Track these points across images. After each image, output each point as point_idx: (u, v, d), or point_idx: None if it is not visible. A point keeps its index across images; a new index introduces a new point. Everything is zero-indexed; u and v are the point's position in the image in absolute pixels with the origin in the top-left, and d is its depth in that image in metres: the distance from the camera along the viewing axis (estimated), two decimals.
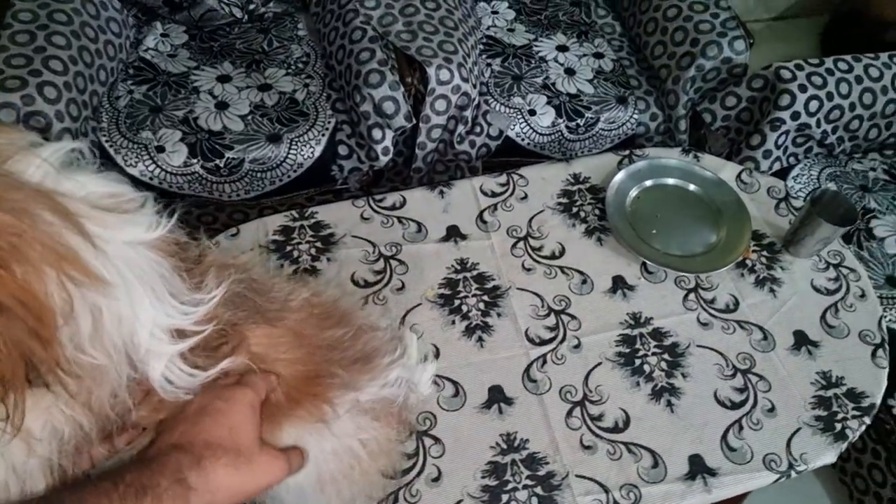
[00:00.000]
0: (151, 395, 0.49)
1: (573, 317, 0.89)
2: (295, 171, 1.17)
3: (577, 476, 0.76)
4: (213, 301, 0.49)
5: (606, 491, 0.75)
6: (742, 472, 0.76)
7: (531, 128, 1.26)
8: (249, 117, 1.19)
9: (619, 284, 0.92)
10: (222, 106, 1.20)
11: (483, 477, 0.75)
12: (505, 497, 0.74)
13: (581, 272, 0.93)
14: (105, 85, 1.19)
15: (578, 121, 1.28)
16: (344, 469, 0.65)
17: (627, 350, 0.86)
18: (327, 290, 0.67)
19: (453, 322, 0.88)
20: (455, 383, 0.82)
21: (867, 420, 0.81)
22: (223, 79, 1.26)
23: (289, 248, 0.94)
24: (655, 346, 0.86)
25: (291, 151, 1.16)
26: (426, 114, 1.13)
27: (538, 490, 0.74)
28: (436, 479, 0.75)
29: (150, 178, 1.14)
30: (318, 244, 0.95)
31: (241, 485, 0.50)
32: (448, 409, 0.80)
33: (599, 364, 0.84)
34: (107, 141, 1.15)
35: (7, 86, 1.02)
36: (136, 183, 1.11)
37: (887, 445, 1.05)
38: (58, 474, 0.46)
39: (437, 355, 0.84)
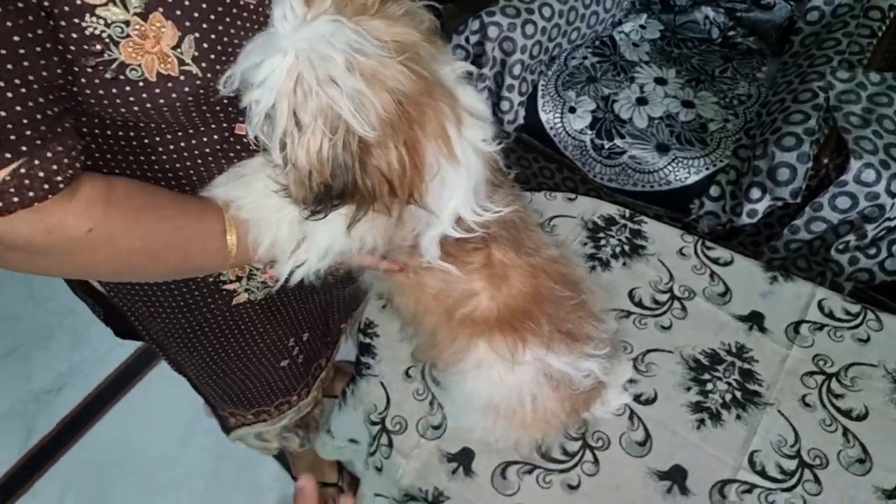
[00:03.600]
0: (413, 252, 0.62)
1: (818, 481, 0.74)
2: (660, 185, 1.19)
3: None
4: (497, 214, 0.60)
5: None
6: None
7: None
8: (657, 121, 1.24)
9: None
10: (642, 101, 1.27)
11: None
12: None
13: (866, 450, 0.76)
14: (571, 44, 1.37)
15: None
16: (509, 408, 0.71)
17: None
18: (577, 267, 0.71)
19: (688, 388, 0.82)
20: (648, 434, 0.78)
21: None
22: (660, 81, 1.32)
23: (601, 235, 0.98)
24: None
25: (670, 166, 1.17)
26: (820, 202, 1.01)
27: None
28: (572, 487, 0.75)
29: (550, 127, 1.29)
30: (626, 247, 0.97)
31: None
32: (626, 449, 0.77)
33: None
34: (542, 84, 1.33)
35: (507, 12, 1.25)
36: (537, 127, 1.28)
37: None
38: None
39: (652, 400, 0.81)
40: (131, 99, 0.49)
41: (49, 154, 0.44)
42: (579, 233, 0.98)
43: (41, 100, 0.43)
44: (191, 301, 0.72)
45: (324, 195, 0.49)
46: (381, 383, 0.85)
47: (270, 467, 1.38)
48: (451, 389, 0.75)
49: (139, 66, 0.48)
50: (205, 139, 0.57)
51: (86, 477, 1.37)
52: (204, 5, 0.49)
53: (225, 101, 0.54)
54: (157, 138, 0.55)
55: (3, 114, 0.41)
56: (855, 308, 0.89)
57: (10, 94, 0.41)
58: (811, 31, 1.24)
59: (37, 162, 0.43)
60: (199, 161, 0.58)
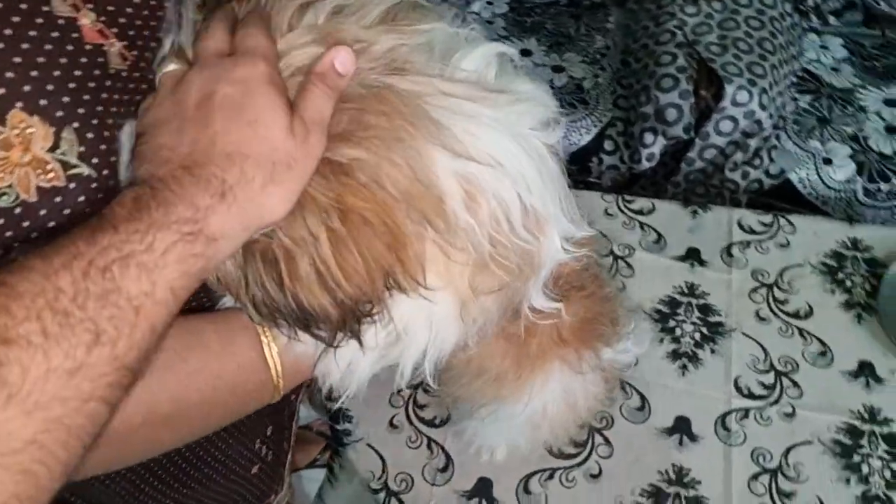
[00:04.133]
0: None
1: (796, 384, 0.81)
2: (557, 156, 1.22)
3: None
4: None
5: None
6: None
7: (820, 177, 1.14)
8: None
9: (865, 371, 0.81)
10: None
11: (641, 495, 0.74)
12: None
13: (823, 342, 0.84)
14: None
15: (881, 185, 1.12)
16: (561, 411, 0.68)
17: (849, 442, 0.76)
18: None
19: (661, 340, 0.86)
20: (644, 398, 0.81)
21: None
22: (525, 52, 1.35)
23: None
24: (885, 451, 0.75)
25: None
26: (707, 131, 1.09)
27: None
28: (595, 476, 0.76)
29: None
30: None
31: (284, 199, 0.37)
32: (628, 418, 0.80)
33: (809, 442, 0.76)
34: None
35: None
36: None
37: None
38: None
39: (635, 364, 0.83)
40: (9, 234, 0.36)
41: None
42: None
43: None
44: None
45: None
46: (370, 445, 0.79)
47: None
48: (494, 415, 0.71)
49: (9, 186, 0.36)
50: None
51: None
52: (72, 84, 0.38)
53: None
54: None
55: None
56: (767, 218, 0.97)
57: None
58: None
59: None
60: None
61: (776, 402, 0.80)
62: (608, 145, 1.22)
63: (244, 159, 0.36)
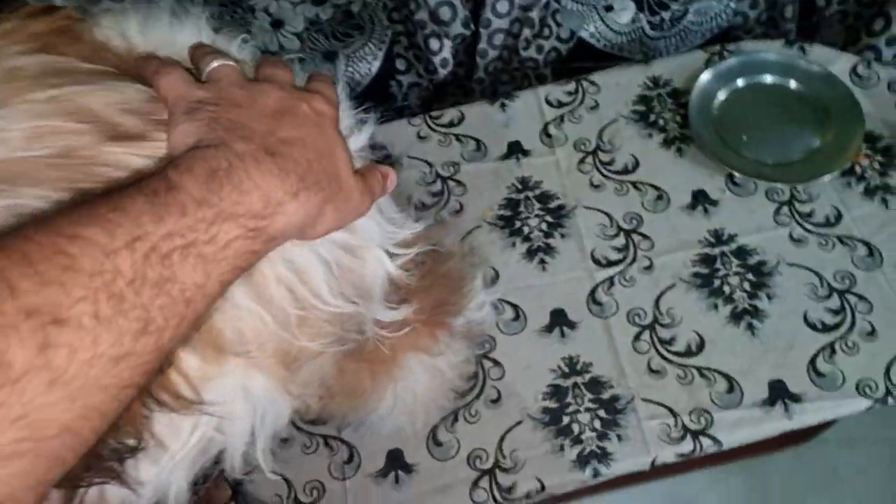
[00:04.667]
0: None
1: (645, 236, 0.82)
2: (353, 91, 1.13)
3: (643, 400, 0.72)
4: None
5: (675, 415, 0.70)
6: (830, 399, 0.69)
7: (607, 26, 1.14)
8: (305, 34, 1.15)
9: (699, 199, 0.83)
10: (277, 24, 1.17)
11: (544, 399, 0.73)
12: (566, 419, 0.71)
13: (656, 187, 0.85)
14: None
15: (663, 14, 1.14)
16: (433, 386, 0.67)
17: (706, 270, 0.78)
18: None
19: (514, 244, 0.83)
20: (515, 307, 0.79)
21: None
22: None
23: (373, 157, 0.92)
24: (738, 266, 0.78)
25: (349, 69, 1.11)
26: (486, 17, 1.04)
27: (601, 413, 0.71)
28: (495, 401, 0.74)
29: None
30: (387, 161, 0.92)
31: (333, 225, 0.38)
32: (507, 332, 0.77)
33: (673, 286, 0.78)
34: None
35: None
36: None
37: None
38: None
39: (495, 279, 0.81)
40: None
41: None
42: None
43: None
44: None
45: None
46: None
47: None
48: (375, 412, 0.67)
49: None
50: None
51: None
52: None
53: None
54: None
55: None
56: (570, 86, 0.96)
57: None
58: None
59: None
60: None
61: (633, 260, 0.80)
62: (400, 64, 1.14)
63: (319, 169, 0.36)
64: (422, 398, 0.69)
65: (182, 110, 0.35)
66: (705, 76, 0.90)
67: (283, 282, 0.37)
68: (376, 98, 1.16)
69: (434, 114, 0.95)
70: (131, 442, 0.33)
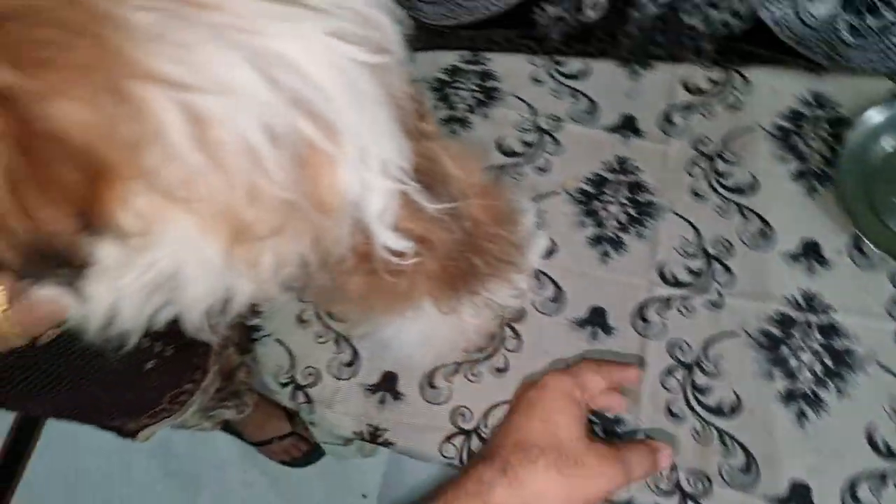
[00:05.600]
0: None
1: (728, 269, 0.72)
2: (494, 6, 1.04)
3: (647, 437, 0.66)
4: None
5: (673, 467, 0.64)
6: None
7: (797, 14, 0.96)
8: None
9: (809, 253, 0.72)
10: None
11: None
12: None
13: (765, 220, 0.74)
14: None
15: (869, 19, 0.94)
16: (450, 336, 0.67)
17: (779, 333, 0.68)
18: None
19: (583, 223, 0.76)
20: (559, 288, 0.73)
21: None
22: None
23: (449, 90, 0.87)
24: (820, 344, 0.67)
25: None
26: None
27: (598, 430, 0.67)
28: (500, 370, 0.70)
29: None
30: (480, 95, 0.86)
31: (567, 493, 0.46)
32: (541, 310, 0.73)
33: (733, 334, 0.69)
34: None
35: None
36: None
37: None
38: None
39: (553, 251, 0.75)
40: None
41: None
42: (427, 97, 0.86)
43: None
44: None
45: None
46: (278, 340, 0.76)
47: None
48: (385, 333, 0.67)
49: None
50: None
51: None
52: None
53: None
54: None
55: None
56: (719, 75, 0.83)
57: None
58: None
59: None
60: None
61: (704, 291, 0.71)
62: None
63: (530, 446, 0.47)
64: (436, 342, 0.67)
65: None
66: (875, 113, 0.74)
67: (225, 138, 0.34)
68: (518, 22, 1.07)
69: (559, 59, 0.86)
70: (75, 253, 0.33)
